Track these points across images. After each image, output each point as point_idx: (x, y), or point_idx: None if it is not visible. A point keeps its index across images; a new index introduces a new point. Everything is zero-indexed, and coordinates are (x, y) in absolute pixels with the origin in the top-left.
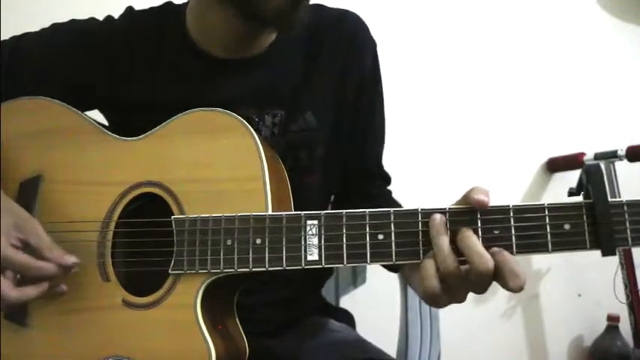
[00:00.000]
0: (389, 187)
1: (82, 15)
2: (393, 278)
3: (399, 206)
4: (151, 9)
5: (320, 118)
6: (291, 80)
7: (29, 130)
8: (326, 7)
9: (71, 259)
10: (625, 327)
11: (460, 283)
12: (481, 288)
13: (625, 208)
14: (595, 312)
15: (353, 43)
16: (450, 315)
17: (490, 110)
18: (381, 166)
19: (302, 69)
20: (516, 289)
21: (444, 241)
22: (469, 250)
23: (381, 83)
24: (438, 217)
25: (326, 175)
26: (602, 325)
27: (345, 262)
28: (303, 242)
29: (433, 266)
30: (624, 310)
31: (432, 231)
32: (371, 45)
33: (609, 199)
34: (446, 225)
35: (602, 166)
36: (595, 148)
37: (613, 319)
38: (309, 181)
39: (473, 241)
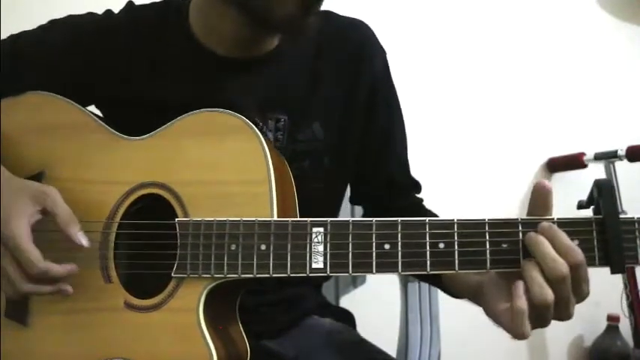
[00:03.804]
0: (420, 195)
1: (83, 10)
2: (393, 278)
3: (434, 216)
4: (152, 4)
5: (328, 129)
6: (296, 86)
7: (33, 126)
8: (334, 14)
9: (83, 240)
10: (625, 327)
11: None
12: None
13: (636, 225)
14: (595, 312)
15: (362, 52)
16: (450, 315)
17: (490, 110)
18: (409, 174)
19: (308, 76)
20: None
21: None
22: (542, 255)
23: (395, 90)
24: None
25: (330, 184)
26: (602, 325)
27: (350, 271)
28: (308, 249)
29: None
30: (624, 309)
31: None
32: (380, 52)
33: (620, 217)
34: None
35: (602, 166)
36: (595, 148)
37: (613, 319)
38: (313, 189)
39: (546, 244)
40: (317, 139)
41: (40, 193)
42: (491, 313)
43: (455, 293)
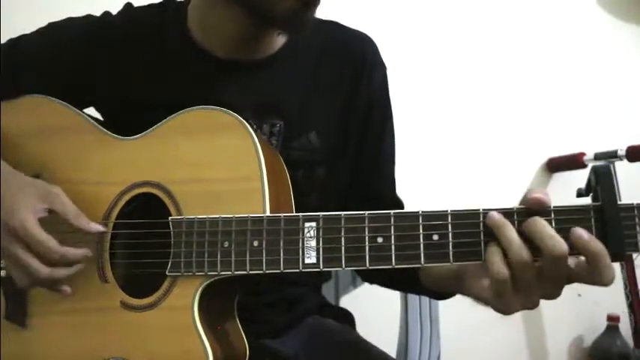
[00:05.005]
0: None
1: (82, 12)
2: None
3: None
4: (151, 6)
5: (324, 139)
6: (293, 92)
7: (29, 129)
8: (341, 25)
9: (97, 227)
10: (625, 327)
11: (534, 280)
12: (557, 284)
13: (635, 211)
14: (595, 312)
15: (363, 65)
16: (450, 315)
17: (490, 110)
18: (394, 192)
19: (307, 84)
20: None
21: (512, 233)
22: (541, 234)
23: (390, 106)
24: (496, 213)
25: (324, 196)
26: (602, 325)
27: (343, 266)
28: (300, 245)
29: (499, 254)
30: (624, 309)
31: (496, 225)
32: (381, 67)
33: (619, 203)
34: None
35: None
36: (595, 148)
37: (613, 319)
38: (305, 201)
39: (542, 223)
40: (313, 148)
41: (49, 192)
42: (474, 291)
43: (436, 288)
